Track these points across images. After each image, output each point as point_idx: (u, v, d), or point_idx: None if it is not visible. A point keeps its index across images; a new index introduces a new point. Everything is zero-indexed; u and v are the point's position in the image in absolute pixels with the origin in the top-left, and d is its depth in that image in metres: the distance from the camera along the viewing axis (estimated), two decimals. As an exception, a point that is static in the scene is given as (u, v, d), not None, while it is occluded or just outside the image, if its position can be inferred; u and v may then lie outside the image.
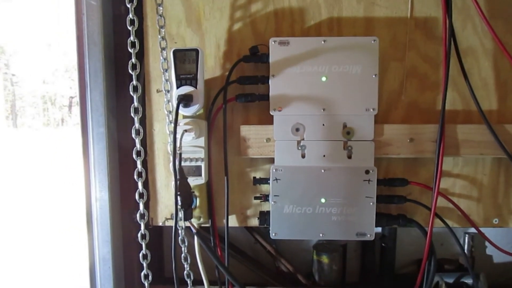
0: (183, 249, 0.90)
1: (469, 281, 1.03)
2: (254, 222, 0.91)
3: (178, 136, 0.75)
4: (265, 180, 0.87)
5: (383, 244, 1.08)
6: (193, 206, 0.84)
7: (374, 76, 0.82)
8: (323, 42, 0.82)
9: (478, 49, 0.87)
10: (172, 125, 0.74)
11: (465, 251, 1.09)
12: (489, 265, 1.16)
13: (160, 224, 0.91)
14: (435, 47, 0.87)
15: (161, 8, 0.83)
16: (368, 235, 0.85)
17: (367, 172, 0.83)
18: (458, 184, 0.90)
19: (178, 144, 0.74)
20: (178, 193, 0.72)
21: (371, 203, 0.84)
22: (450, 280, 1.04)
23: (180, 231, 0.89)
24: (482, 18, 0.83)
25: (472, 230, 0.99)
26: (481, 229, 0.90)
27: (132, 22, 0.80)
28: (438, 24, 0.86)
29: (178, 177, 0.73)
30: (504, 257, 1.11)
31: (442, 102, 0.83)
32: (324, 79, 0.82)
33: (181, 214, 0.75)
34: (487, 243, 1.15)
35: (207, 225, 0.90)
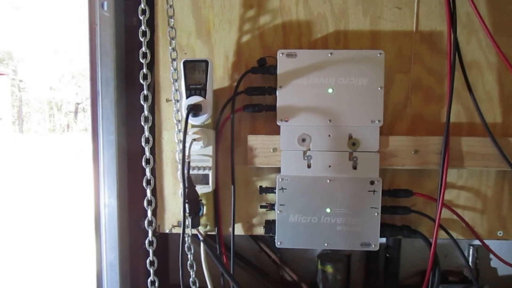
0: (189, 256, 0.91)
1: (473, 293, 1.03)
2: (260, 230, 0.92)
3: (187, 144, 0.77)
4: (271, 189, 0.88)
5: (387, 255, 1.09)
6: (200, 214, 0.85)
7: (379, 88, 0.84)
8: (329, 55, 0.84)
9: (482, 63, 0.88)
10: (181, 134, 0.75)
11: (470, 263, 1.10)
12: (494, 278, 1.16)
13: (167, 231, 0.92)
14: (440, 61, 0.88)
15: (172, 20, 0.85)
16: (373, 246, 0.86)
17: (372, 183, 0.85)
18: (463, 196, 0.91)
19: (186, 153, 0.76)
20: (186, 200, 0.73)
21: (376, 214, 0.85)
22: (454, 292, 1.04)
23: (186, 239, 0.90)
24: (487, 32, 0.84)
25: (477, 242, 1.00)
26: (485, 241, 0.91)
27: (144, 33, 0.82)
28: (443, 38, 0.88)
29: (186, 185, 0.74)
30: (509, 270, 1.11)
31: (447, 115, 0.84)
32: (330, 90, 0.84)
33: (188, 222, 0.77)
34: (491, 256, 1.15)
35: (213, 233, 0.91)
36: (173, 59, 0.85)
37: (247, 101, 0.89)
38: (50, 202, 4.83)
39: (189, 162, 0.76)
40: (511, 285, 1.16)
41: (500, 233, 0.91)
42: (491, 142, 0.84)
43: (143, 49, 0.81)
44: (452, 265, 1.15)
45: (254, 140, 0.87)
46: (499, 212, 0.91)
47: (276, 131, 0.86)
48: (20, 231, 3.66)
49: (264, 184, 0.91)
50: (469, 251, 1.11)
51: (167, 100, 0.91)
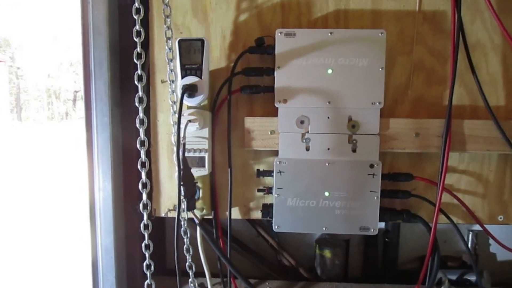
0: (185, 240, 0.89)
1: (472, 278, 1.03)
2: (257, 214, 0.91)
3: (182, 126, 0.75)
4: (268, 173, 0.86)
5: (386, 239, 1.08)
6: (196, 197, 0.84)
7: (380, 69, 0.81)
8: (329, 34, 0.81)
9: (486, 44, 0.86)
10: (176, 115, 0.73)
11: (469, 248, 1.09)
12: (493, 263, 1.15)
13: (163, 215, 0.91)
14: (443, 42, 0.86)
15: (167, -2, 0.83)
16: (372, 230, 0.85)
17: (371, 166, 0.83)
18: (464, 180, 0.89)
19: (182, 134, 0.74)
20: (182, 183, 0.72)
21: (375, 198, 0.83)
22: (453, 277, 1.04)
23: (182, 222, 0.89)
24: (492, 12, 0.82)
25: (476, 227, 0.99)
26: (485, 226, 0.90)
27: (138, 11, 0.79)
28: (447, 18, 0.85)
29: (181, 167, 0.72)
30: (508, 255, 1.11)
31: (449, 97, 0.82)
32: (330, 71, 0.82)
33: (184, 205, 0.75)
34: (491, 241, 1.14)
35: (209, 217, 0.89)
36: (168, 38, 0.83)
37: (244, 82, 0.87)
38: (49, 189, 4.82)
39: (184, 144, 0.74)
40: (510, 270, 1.16)
41: (500, 218, 0.90)
42: (494, 125, 0.83)
43: (137, 27, 0.79)
44: (451, 251, 1.14)
45: (251, 122, 0.85)
46: (500, 196, 0.89)
47: (274, 113, 0.84)
48: (18, 219, 3.66)
49: (262, 167, 0.89)
50: (468, 237, 1.10)
51: (163, 81, 0.88)
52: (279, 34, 0.82)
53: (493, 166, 0.89)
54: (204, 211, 0.86)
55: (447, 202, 0.89)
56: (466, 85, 0.86)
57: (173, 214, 0.91)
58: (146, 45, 0.87)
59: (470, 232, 1.10)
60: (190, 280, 0.92)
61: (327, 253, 1.02)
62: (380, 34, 0.81)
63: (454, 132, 0.83)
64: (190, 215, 0.81)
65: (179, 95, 0.76)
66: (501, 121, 0.83)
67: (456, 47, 0.81)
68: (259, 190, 0.88)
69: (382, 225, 1.10)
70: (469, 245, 1.10)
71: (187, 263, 0.90)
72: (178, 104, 0.75)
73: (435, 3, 0.85)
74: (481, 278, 0.99)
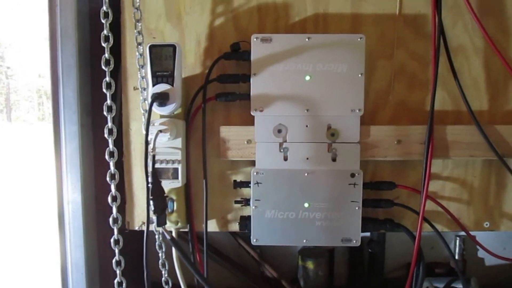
0: (160, 254, 0.86)
1: (460, 286, 1.00)
2: (235, 227, 0.87)
3: (152, 136, 0.71)
4: (246, 184, 0.83)
5: (369, 250, 1.05)
6: (170, 210, 0.80)
7: (360, 75, 0.78)
8: (307, 40, 0.78)
9: (468, 48, 0.83)
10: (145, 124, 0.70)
11: (457, 254, 1.07)
12: (481, 268, 1.14)
13: (137, 228, 0.87)
14: (424, 45, 0.83)
15: (137, 1, 0.79)
16: (354, 241, 0.82)
17: (352, 175, 0.80)
18: (448, 187, 0.87)
19: (152, 145, 0.70)
20: (151, 197, 0.68)
21: (357, 208, 0.81)
22: (440, 285, 1.02)
23: (157, 236, 0.85)
24: (473, 15, 0.80)
25: (464, 232, 0.96)
26: (472, 232, 0.87)
27: (106, 15, 0.75)
28: (428, 21, 0.82)
29: (151, 180, 0.69)
30: (496, 260, 1.09)
31: (431, 102, 0.80)
32: (308, 78, 0.79)
33: (154, 220, 0.72)
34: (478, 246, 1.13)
35: (186, 230, 0.86)
36: (139, 43, 0.79)
37: (220, 89, 0.83)
38: (38, 192, 4.75)
39: (154, 156, 0.71)
40: (498, 275, 1.14)
41: (486, 224, 0.88)
42: (477, 130, 0.80)
43: (105, 31, 0.75)
44: (439, 257, 1.12)
45: (227, 132, 0.82)
46: (485, 202, 0.87)
47: (251, 121, 0.81)
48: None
49: (239, 178, 0.86)
50: (456, 242, 1.08)
51: (135, 88, 0.85)
52: (254, 39, 0.79)
53: (478, 172, 0.86)
54: (179, 224, 0.83)
55: (431, 210, 0.87)
56: (449, 89, 0.84)
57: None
58: (117, 50, 0.83)
59: (457, 238, 1.08)
60: (166, 295, 0.89)
61: (310, 264, 0.99)
62: (359, 39, 0.78)
63: (436, 138, 0.80)
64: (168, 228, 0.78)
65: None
66: (484, 126, 0.80)
67: (437, 51, 0.79)
68: (236, 202, 0.85)
69: (367, 234, 1.08)
70: (457, 251, 1.08)
71: (163, 278, 0.87)
72: (147, 113, 0.71)
73: (415, 6, 0.83)
74: (469, 285, 0.97)
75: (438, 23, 0.78)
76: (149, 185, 0.69)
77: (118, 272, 0.80)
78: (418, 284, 0.85)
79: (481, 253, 1.14)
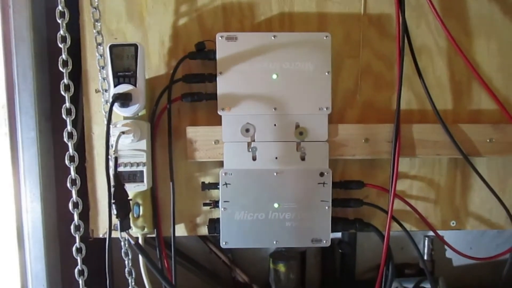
0: (126, 262, 0.82)
1: (428, 286, 1.01)
2: (204, 230, 0.85)
3: (114, 138, 0.68)
4: (214, 185, 0.81)
5: (340, 250, 1.04)
6: (136, 215, 0.77)
7: (327, 73, 0.78)
8: (273, 38, 0.78)
9: (432, 48, 0.85)
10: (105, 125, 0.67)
11: (425, 254, 1.08)
12: (449, 268, 1.15)
13: (101, 236, 0.83)
14: (389, 45, 0.84)
15: (96, 0, 0.76)
16: (324, 241, 0.81)
17: (321, 174, 0.79)
18: (416, 185, 0.88)
19: (113, 147, 0.68)
20: (113, 200, 0.65)
21: (327, 207, 0.80)
22: (410, 285, 1.02)
23: (122, 243, 0.82)
24: (436, 16, 0.81)
25: (432, 233, 0.97)
26: (439, 231, 0.88)
27: (62, 14, 0.72)
28: (392, 21, 0.83)
29: (112, 183, 0.66)
30: (463, 260, 1.10)
31: (397, 101, 0.80)
32: (275, 76, 0.78)
33: (117, 225, 0.68)
34: (446, 246, 1.14)
35: (153, 235, 0.83)
36: (99, 44, 0.76)
37: (186, 89, 0.81)
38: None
39: (116, 158, 0.68)
40: (465, 275, 1.16)
41: (453, 223, 0.89)
42: (442, 129, 0.81)
43: (61, 32, 0.71)
44: (408, 258, 1.12)
45: (194, 132, 0.79)
46: (452, 201, 0.88)
47: (218, 121, 0.79)
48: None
49: (208, 179, 0.84)
50: (424, 243, 1.09)
51: (97, 91, 0.81)
52: (219, 38, 0.77)
53: (444, 171, 0.87)
54: (146, 229, 0.80)
55: (400, 209, 0.87)
56: (414, 89, 0.85)
57: (114, 234, 0.83)
58: (77, 51, 0.80)
59: (426, 238, 1.09)
60: (133, 305, 0.85)
61: (281, 267, 0.98)
62: (325, 37, 0.78)
63: (403, 137, 0.81)
64: (136, 234, 0.74)
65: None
66: (449, 125, 0.81)
67: (402, 51, 0.80)
68: (205, 204, 0.82)
69: (338, 235, 1.07)
70: (426, 251, 1.08)
71: (129, 287, 0.83)
72: (107, 114, 0.68)
73: (380, 6, 0.83)
74: (437, 285, 0.98)
75: (402, 23, 0.79)
76: (112, 188, 0.66)
77: (80, 282, 0.75)
78: (388, 284, 0.84)
79: (449, 253, 1.16)
